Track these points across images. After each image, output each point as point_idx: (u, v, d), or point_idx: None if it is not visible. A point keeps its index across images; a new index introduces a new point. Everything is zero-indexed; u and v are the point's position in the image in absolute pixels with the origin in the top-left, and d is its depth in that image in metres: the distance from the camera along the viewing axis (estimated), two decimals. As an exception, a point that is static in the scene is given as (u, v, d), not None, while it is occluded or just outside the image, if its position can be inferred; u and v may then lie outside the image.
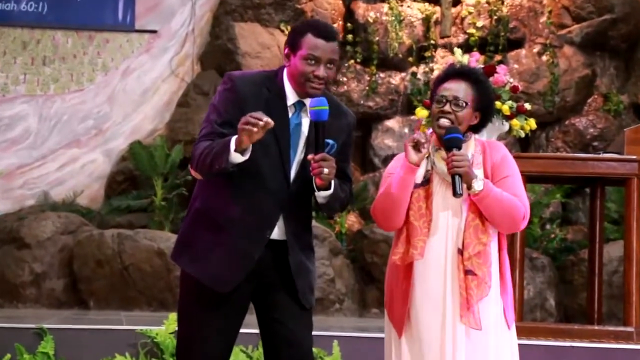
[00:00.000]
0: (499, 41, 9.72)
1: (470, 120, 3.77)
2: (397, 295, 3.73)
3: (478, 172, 3.72)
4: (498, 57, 9.62)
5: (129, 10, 9.67)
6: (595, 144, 9.46)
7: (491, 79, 7.18)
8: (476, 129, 3.81)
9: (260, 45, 9.64)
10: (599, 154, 6.73)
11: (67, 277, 8.29)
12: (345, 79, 9.73)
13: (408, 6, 9.89)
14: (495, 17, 9.78)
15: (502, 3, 9.85)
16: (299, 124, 3.70)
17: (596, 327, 6.22)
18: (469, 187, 3.65)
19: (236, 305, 3.67)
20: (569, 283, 8.51)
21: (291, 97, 3.69)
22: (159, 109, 9.69)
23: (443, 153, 3.71)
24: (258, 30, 9.72)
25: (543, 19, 9.85)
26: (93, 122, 9.59)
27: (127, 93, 9.66)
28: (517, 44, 9.84)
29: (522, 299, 6.21)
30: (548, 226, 9.01)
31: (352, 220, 9.10)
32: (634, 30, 9.81)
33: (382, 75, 9.72)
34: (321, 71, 3.63)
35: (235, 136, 3.47)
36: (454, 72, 3.80)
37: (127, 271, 8.10)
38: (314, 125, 3.60)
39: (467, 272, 3.67)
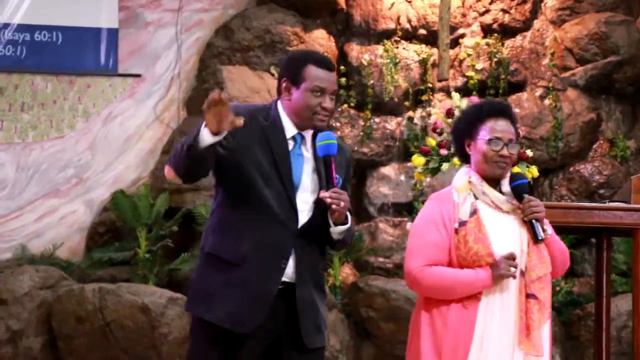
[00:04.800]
0: (499, 84, 9.77)
1: None
2: (455, 339, 3.75)
3: None
4: (499, 101, 9.65)
5: (112, 53, 9.71)
6: (602, 191, 9.48)
7: (491, 124, 7.22)
8: None
9: (249, 89, 9.68)
10: (605, 202, 6.74)
11: (45, 335, 8.24)
12: (338, 124, 9.76)
13: (404, 48, 9.95)
14: (495, 60, 9.84)
15: (503, 45, 9.92)
16: (301, 156, 3.74)
17: (604, 386, 6.19)
18: (543, 231, 3.83)
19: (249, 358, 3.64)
20: (575, 339, 8.48)
21: (290, 129, 3.73)
22: (143, 156, 9.69)
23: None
24: (247, 74, 9.76)
25: (545, 61, 9.91)
26: (73, 171, 9.58)
27: (110, 140, 9.67)
28: (519, 87, 9.89)
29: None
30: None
31: (346, 272, 9.08)
32: (640, 72, 9.88)
33: (377, 120, 9.75)
34: (327, 102, 3.70)
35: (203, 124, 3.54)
36: (502, 109, 3.93)
37: (109, 328, 8.05)
38: (323, 159, 3.65)
39: (529, 296, 3.77)
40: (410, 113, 9.82)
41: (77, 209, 9.50)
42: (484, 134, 3.89)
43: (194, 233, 8.99)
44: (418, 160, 7.20)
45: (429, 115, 9.64)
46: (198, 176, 3.67)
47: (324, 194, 3.63)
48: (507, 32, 10.01)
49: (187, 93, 9.91)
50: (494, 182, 3.91)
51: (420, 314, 3.87)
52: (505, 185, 3.94)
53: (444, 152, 7.23)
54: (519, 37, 10.01)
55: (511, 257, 3.79)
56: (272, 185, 3.65)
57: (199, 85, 9.85)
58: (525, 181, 3.90)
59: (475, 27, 10.05)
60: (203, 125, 3.54)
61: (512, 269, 3.78)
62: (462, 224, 3.81)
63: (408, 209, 9.32)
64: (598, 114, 9.84)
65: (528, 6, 10.03)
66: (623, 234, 6.69)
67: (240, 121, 3.54)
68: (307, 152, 3.76)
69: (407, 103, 9.83)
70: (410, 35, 10.01)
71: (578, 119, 9.75)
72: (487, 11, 10.04)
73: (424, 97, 9.84)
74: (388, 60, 9.82)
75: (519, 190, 3.86)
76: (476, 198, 3.87)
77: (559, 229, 7.38)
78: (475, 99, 7.36)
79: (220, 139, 3.53)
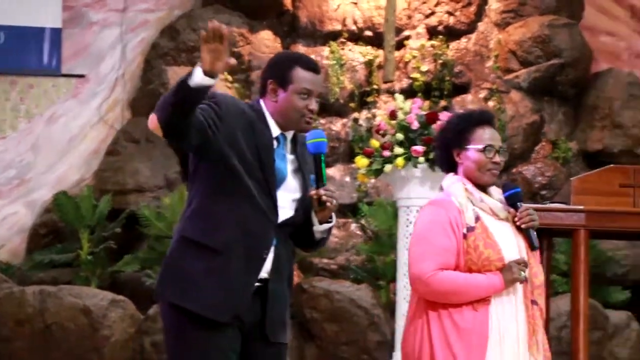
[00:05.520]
0: (444, 86, 9.84)
1: None
2: (468, 341, 3.80)
3: None
4: (443, 103, 9.73)
5: (55, 53, 9.66)
6: (544, 192, 9.58)
7: (434, 126, 7.29)
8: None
9: (195, 90, 9.68)
10: (545, 203, 6.82)
11: (-16, 339, 8.18)
12: (284, 125, 9.78)
13: (350, 50, 9.99)
14: (440, 62, 9.92)
15: (447, 47, 9.99)
16: (285, 155, 3.77)
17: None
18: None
19: (231, 346, 3.63)
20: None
21: (274, 129, 3.75)
22: (86, 157, 9.65)
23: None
24: (192, 75, 9.74)
25: (489, 63, 10.00)
26: (15, 172, 9.52)
27: (52, 141, 9.61)
28: (463, 89, 9.98)
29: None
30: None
31: (291, 274, 9.10)
32: (582, 75, 9.99)
33: (322, 121, 9.79)
34: (314, 105, 3.74)
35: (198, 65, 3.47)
36: (490, 118, 4.05)
37: (49, 330, 8.02)
38: (314, 157, 3.70)
39: (533, 302, 3.89)
40: (356, 114, 9.86)
41: (19, 210, 9.43)
42: (476, 142, 3.95)
43: (138, 235, 8.98)
44: (361, 161, 7.25)
45: (375, 116, 9.69)
46: (180, 127, 3.53)
47: (319, 191, 3.67)
48: (452, 34, 10.09)
49: (132, 94, 9.88)
50: (483, 190, 3.98)
51: (427, 318, 3.88)
52: (496, 194, 4.00)
53: (387, 153, 7.28)
54: (463, 40, 10.09)
55: (522, 262, 3.87)
56: (253, 176, 3.65)
57: (144, 86, 9.83)
58: (519, 190, 3.97)
59: (421, 29, 10.11)
60: (198, 64, 3.50)
61: (523, 274, 3.86)
62: (470, 229, 3.86)
63: (352, 210, 9.37)
64: (541, 116, 9.94)
65: (473, 9, 10.11)
66: (563, 234, 6.79)
67: (234, 61, 3.54)
68: (288, 154, 3.79)
69: (352, 104, 9.87)
70: (356, 37, 10.05)
71: (521, 121, 9.85)
72: (433, 13, 10.11)
73: (370, 99, 9.89)
74: (334, 62, 9.86)
75: (514, 198, 3.94)
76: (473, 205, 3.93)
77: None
78: (419, 100, 7.42)
79: (213, 83, 3.49)
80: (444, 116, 7.36)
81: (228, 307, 3.62)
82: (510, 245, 3.91)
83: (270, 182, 3.68)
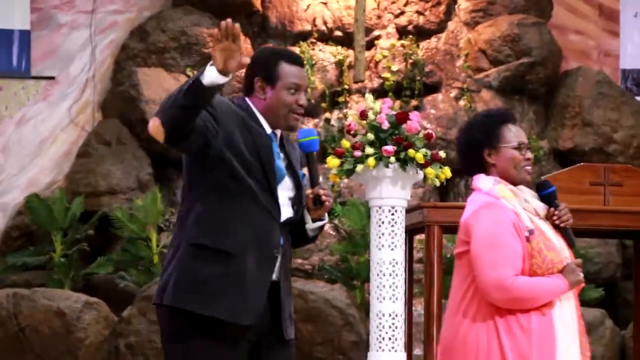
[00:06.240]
0: (414, 86, 9.90)
1: None
2: (539, 345, 3.81)
3: None
4: (414, 102, 9.79)
5: (24, 55, 9.65)
6: (515, 191, 9.65)
7: (404, 126, 7.32)
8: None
9: (166, 91, 9.66)
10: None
11: (-43, 342, 8.17)
12: (255, 126, 9.81)
13: (320, 50, 10.03)
14: (410, 61, 9.97)
15: (418, 46, 10.05)
16: (279, 154, 3.75)
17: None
18: None
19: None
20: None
21: (266, 128, 3.73)
22: (58, 159, 9.64)
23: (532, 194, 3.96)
24: (163, 76, 9.76)
25: (460, 62, 10.08)
26: (-14, 175, 9.51)
27: (23, 143, 9.59)
28: (434, 88, 10.04)
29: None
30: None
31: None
32: (552, 74, 10.09)
33: (294, 121, 9.82)
34: (303, 99, 3.73)
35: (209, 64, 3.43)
36: (512, 115, 4.03)
37: (23, 333, 8.01)
38: (307, 156, 3.71)
39: (580, 302, 3.98)
40: (327, 115, 9.90)
41: (-10, 213, 9.43)
42: (508, 139, 3.92)
43: (111, 236, 8.98)
44: (332, 161, 7.26)
45: (346, 116, 9.73)
46: (184, 131, 3.48)
47: (316, 190, 3.68)
48: (422, 33, 10.15)
49: (102, 95, 9.88)
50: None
51: (494, 323, 3.82)
52: (527, 193, 3.96)
53: (357, 153, 7.30)
54: (433, 39, 10.16)
55: (580, 264, 3.89)
56: (253, 176, 3.63)
57: (114, 87, 9.83)
58: (554, 188, 3.94)
59: (391, 28, 10.17)
60: (209, 64, 3.44)
61: (581, 275, 3.89)
62: (531, 232, 3.82)
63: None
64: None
65: (442, 8, 10.18)
66: (534, 232, 6.85)
67: (247, 60, 3.51)
68: (281, 152, 3.78)
69: (324, 105, 9.91)
70: (326, 37, 10.09)
71: (492, 120, 9.91)
72: (402, 13, 10.17)
73: (341, 99, 9.93)
74: (304, 62, 9.89)
75: (552, 197, 3.92)
76: None
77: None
78: (389, 100, 7.44)
79: (226, 81, 3.43)
80: (414, 116, 7.41)
81: (250, 309, 3.60)
82: (562, 246, 3.90)
83: (272, 182, 3.65)
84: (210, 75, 3.42)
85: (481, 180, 3.94)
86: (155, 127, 3.49)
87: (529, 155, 3.93)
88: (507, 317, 3.81)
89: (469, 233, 3.87)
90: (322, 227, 3.82)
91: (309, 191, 3.70)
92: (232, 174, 3.62)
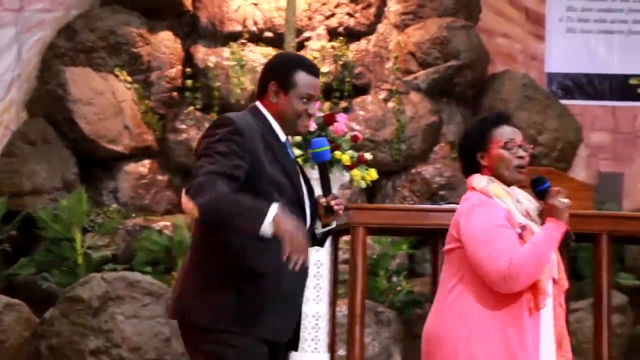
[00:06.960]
0: (344, 87, 9.93)
1: None
2: (526, 345, 3.82)
3: None
4: (343, 104, 9.83)
5: (-52, 53, 9.53)
6: (442, 193, 9.73)
7: (331, 128, 7.35)
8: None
9: (93, 91, 9.61)
10: (440, 204, 6.94)
11: None
12: (184, 126, 9.77)
13: (250, 50, 10.02)
14: (340, 63, 10.01)
15: (348, 48, 10.09)
16: (295, 160, 3.82)
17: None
18: None
19: None
20: (416, 337, 8.67)
21: (281, 135, 3.76)
22: (-19, 159, 9.53)
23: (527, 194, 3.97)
24: (91, 76, 9.69)
25: (389, 64, 10.13)
26: None
27: (-54, 143, 9.48)
28: (363, 90, 10.08)
29: (363, 355, 6.31)
30: (394, 278, 9.19)
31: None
32: (479, 77, 10.18)
33: (223, 122, 9.81)
34: (313, 110, 3.74)
35: (273, 209, 3.44)
36: (506, 116, 4.05)
37: (-58, 336, 7.91)
38: (320, 166, 3.77)
39: (559, 305, 3.93)
40: (257, 116, 9.89)
41: None
42: (496, 140, 3.95)
43: (35, 237, 8.89)
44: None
45: (275, 117, 9.73)
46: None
47: (330, 199, 3.73)
48: (352, 35, 10.19)
49: (28, 94, 9.78)
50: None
51: (486, 321, 3.84)
52: (520, 194, 3.98)
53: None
54: (363, 41, 10.21)
55: (559, 191, 3.89)
56: (284, 193, 3.66)
57: (41, 86, 9.74)
58: (549, 184, 3.94)
59: (321, 30, 10.20)
60: (268, 220, 3.43)
61: (565, 200, 3.88)
62: (524, 228, 3.85)
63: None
64: (440, 117, 10.10)
65: (372, 10, 10.23)
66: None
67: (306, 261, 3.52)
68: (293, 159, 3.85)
69: (253, 105, 9.90)
70: (256, 38, 10.09)
71: (420, 122, 9.99)
72: (333, 15, 10.20)
73: (270, 100, 9.92)
74: (234, 63, 9.88)
75: (548, 192, 3.94)
76: None
77: (397, 231, 7.59)
78: (317, 102, 7.47)
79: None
80: (341, 117, 7.44)
81: (288, 325, 3.69)
82: None
83: (301, 197, 3.72)
84: (265, 232, 3.45)
85: (475, 179, 3.98)
86: (189, 208, 3.52)
87: (521, 153, 3.93)
88: (496, 314, 3.83)
89: (460, 231, 3.90)
90: (330, 231, 3.86)
91: (322, 200, 3.74)
92: (266, 195, 3.61)
